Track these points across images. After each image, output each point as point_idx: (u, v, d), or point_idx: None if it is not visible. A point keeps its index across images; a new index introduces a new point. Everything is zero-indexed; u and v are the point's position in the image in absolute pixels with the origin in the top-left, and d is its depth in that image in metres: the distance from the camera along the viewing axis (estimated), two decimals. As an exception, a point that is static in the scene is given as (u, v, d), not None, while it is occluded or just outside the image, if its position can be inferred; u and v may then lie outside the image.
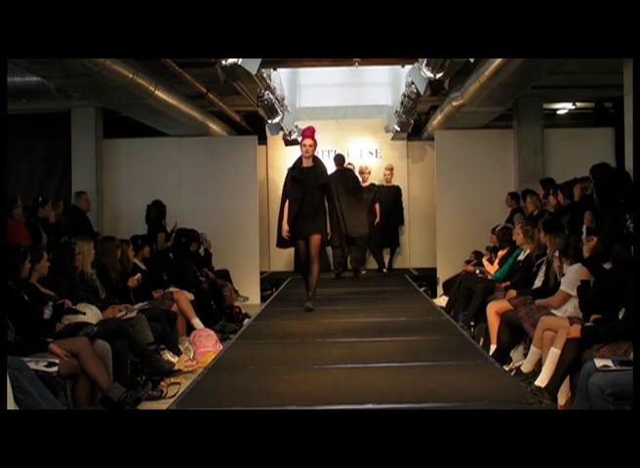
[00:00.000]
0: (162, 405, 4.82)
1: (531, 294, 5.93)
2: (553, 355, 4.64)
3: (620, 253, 4.57)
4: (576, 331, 4.46)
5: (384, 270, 11.10)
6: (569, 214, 6.52)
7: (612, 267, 4.72)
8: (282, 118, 9.46)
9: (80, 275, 5.90)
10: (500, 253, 7.76)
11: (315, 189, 7.07)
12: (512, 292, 6.28)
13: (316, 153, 7.33)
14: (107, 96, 7.46)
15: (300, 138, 7.82)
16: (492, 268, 7.76)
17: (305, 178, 7.09)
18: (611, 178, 5.83)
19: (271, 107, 8.96)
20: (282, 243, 7.37)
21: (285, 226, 7.07)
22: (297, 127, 10.51)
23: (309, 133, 7.20)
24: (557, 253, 5.59)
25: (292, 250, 8.24)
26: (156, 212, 9.22)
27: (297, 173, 7.17)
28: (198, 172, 10.35)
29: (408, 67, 7.90)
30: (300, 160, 7.24)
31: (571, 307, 5.23)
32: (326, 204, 7.17)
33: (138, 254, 7.40)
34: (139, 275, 6.67)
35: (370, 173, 11.07)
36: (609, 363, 3.81)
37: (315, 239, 7.00)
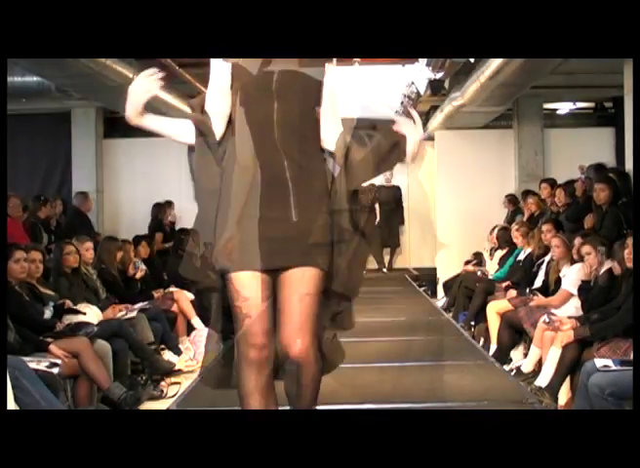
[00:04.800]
0: (162, 405, 4.82)
1: (531, 294, 5.93)
2: (553, 355, 4.64)
3: (620, 253, 4.57)
4: (568, 337, 4.47)
5: (384, 270, 11.11)
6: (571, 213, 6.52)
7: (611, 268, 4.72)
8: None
9: (80, 275, 5.90)
10: (500, 253, 7.76)
11: (300, 114, 2.53)
12: (512, 292, 6.28)
13: None
14: (107, 96, 7.45)
15: None
16: (492, 265, 7.75)
17: (276, 88, 2.57)
18: (610, 178, 5.83)
19: (271, 107, 8.89)
20: (195, 272, 2.60)
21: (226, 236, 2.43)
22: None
23: None
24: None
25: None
26: (155, 212, 9.23)
27: (247, 76, 2.66)
28: (198, 172, 10.33)
29: (408, 67, 7.90)
30: None
31: (571, 307, 5.24)
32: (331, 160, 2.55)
33: (136, 255, 7.39)
34: (141, 266, 6.69)
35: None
36: (609, 363, 3.81)
37: (308, 274, 2.44)
